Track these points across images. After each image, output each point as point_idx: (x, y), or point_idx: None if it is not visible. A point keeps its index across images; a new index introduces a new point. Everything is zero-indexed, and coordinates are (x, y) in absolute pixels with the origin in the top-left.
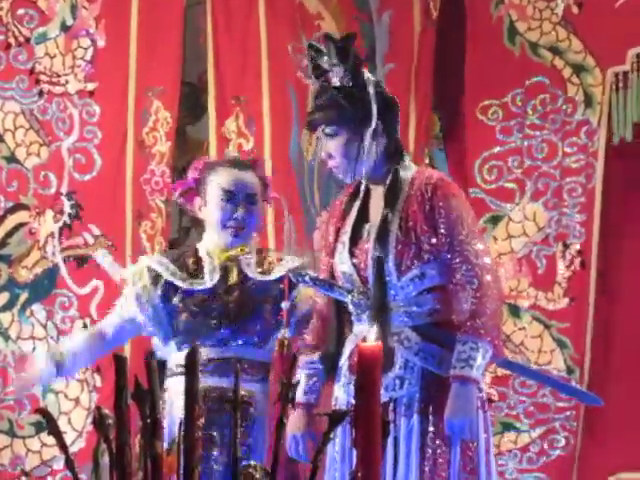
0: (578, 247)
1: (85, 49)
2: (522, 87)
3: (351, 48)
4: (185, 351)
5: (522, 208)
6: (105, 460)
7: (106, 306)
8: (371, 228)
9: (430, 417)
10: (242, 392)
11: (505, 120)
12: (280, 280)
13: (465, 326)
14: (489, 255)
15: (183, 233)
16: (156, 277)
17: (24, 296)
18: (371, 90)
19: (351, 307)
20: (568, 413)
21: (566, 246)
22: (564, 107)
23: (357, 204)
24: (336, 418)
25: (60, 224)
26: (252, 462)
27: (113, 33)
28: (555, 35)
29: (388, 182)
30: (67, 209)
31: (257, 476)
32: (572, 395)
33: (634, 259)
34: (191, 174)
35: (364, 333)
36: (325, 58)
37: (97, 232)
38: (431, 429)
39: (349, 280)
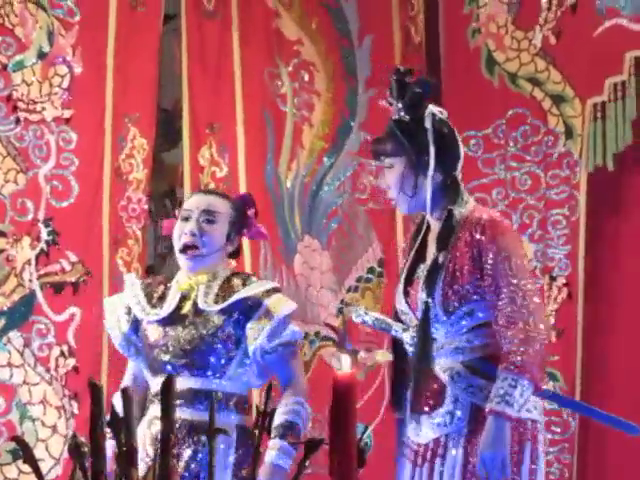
0: (564, 279)
1: (62, 76)
2: (503, 118)
3: (408, 83)
4: (157, 379)
5: None
6: None
7: (83, 333)
8: (423, 270)
9: (475, 450)
10: (194, 420)
11: (487, 152)
12: (233, 307)
13: (506, 362)
14: (538, 294)
15: (160, 259)
16: (129, 306)
17: (1, 323)
18: (428, 125)
19: (406, 345)
20: (562, 446)
21: (553, 278)
22: (545, 139)
23: (418, 241)
24: (311, 446)
25: (37, 251)
26: None
27: (89, 60)
28: (534, 66)
29: (441, 222)
30: (44, 236)
31: None
32: (617, 427)
33: (619, 288)
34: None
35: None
36: (389, 91)
37: (74, 259)
38: (474, 461)
39: (405, 318)
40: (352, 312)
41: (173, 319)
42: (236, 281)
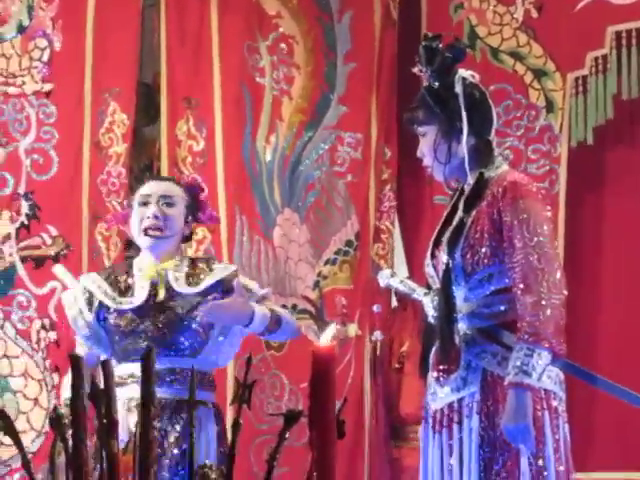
0: None
1: (42, 50)
2: None
3: (437, 49)
4: (124, 365)
5: None
6: (62, 459)
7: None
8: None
9: (490, 418)
10: (176, 398)
11: None
12: (211, 289)
13: (520, 331)
14: (556, 259)
15: None
16: (90, 297)
17: None
18: (458, 90)
19: (427, 308)
20: None
21: None
22: (527, 113)
23: (450, 205)
24: (290, 418)
25: (17, 224)
26: (207, 462)
27: (70, 34)
28: (516, 40)
29: (470, 186)
30: (25, 209)
31: (213, 476)
32: (629, 400)
33: (598, 260)
34: (127, 202)
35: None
36: (418, 59)
37: (55, 232)
38: (489, 430)
39: (431, 281)
40: (378, 275)
41: (148, 307)
42: (200, 264)
